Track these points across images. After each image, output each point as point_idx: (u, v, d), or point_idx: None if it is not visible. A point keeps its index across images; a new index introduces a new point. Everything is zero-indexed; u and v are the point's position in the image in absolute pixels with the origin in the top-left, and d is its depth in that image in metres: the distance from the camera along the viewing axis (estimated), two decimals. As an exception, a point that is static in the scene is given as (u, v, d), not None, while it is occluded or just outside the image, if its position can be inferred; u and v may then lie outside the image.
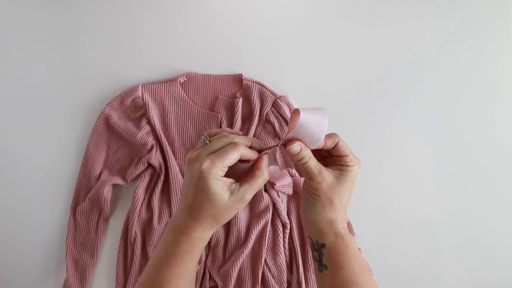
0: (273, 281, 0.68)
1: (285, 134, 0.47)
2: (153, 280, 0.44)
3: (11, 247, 0.72)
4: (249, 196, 0.45)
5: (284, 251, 0.69)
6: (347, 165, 0.47)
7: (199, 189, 0.42)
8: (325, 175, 0.46)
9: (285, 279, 0.68)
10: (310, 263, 0.69)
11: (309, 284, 0.68)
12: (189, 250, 0.45)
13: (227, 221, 0.46)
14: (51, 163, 0.74)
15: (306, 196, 0.48)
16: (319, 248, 0.48)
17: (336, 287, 0.45)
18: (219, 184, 0.43)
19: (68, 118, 0.75)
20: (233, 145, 0.44)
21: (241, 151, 0.44)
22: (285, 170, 0.49)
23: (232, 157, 0.43)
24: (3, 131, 0.75)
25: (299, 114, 0.44)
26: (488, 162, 0.75)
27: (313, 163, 0.46)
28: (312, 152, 0.47)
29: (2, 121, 0.75)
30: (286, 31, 0.79)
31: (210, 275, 0.69)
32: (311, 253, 0.52)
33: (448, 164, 0.75)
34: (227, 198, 0.43)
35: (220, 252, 0.69)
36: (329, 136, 0.47)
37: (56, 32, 0.78)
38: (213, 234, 0.69)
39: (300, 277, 0.68)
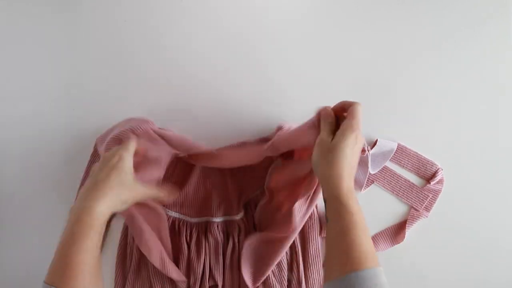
0: (273, 279, 0.67)
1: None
2: (64, 258, 0.49)
3: (11, 247, 0.72)
4: (142, 191, 0.57)
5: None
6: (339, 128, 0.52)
7: (114, 169, 0.54)
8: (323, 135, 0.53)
9: (286, 278, 0.68)
10: (310, 262, 0.68)
11: (309, 282, 0.68)
12: (92, 224, 0.50)
13: (124, 206, 0.56)
14: (51, 163, 0.74)
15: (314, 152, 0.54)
16: (325, 202, 0.53)
17: (329, 240, 0.51)
18: (131, 169, 0.56)
19: (69, 118, 0.76)
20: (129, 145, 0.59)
21: (134, 144, 0.59)
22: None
23: (132, 147, 0.58)
24: (3, 131, 0.75)
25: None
26: (489, 162, 0.75)
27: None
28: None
29: (3, 121, 0.76)
30: (286, 30, 0.79)
31: (210, 275, 0.68)
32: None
33: (448, 164, 0.74)
34: (132, 180, 0.56)
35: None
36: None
37: (56, 35, 0.79)
38: (213, 233, 0.68)
39: (300, 275, 0.67)
